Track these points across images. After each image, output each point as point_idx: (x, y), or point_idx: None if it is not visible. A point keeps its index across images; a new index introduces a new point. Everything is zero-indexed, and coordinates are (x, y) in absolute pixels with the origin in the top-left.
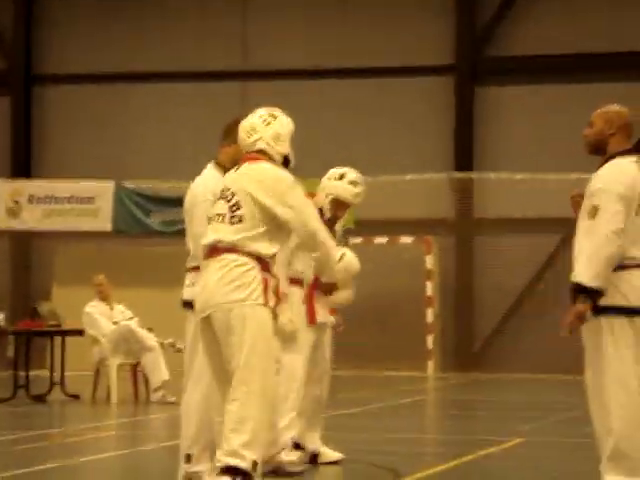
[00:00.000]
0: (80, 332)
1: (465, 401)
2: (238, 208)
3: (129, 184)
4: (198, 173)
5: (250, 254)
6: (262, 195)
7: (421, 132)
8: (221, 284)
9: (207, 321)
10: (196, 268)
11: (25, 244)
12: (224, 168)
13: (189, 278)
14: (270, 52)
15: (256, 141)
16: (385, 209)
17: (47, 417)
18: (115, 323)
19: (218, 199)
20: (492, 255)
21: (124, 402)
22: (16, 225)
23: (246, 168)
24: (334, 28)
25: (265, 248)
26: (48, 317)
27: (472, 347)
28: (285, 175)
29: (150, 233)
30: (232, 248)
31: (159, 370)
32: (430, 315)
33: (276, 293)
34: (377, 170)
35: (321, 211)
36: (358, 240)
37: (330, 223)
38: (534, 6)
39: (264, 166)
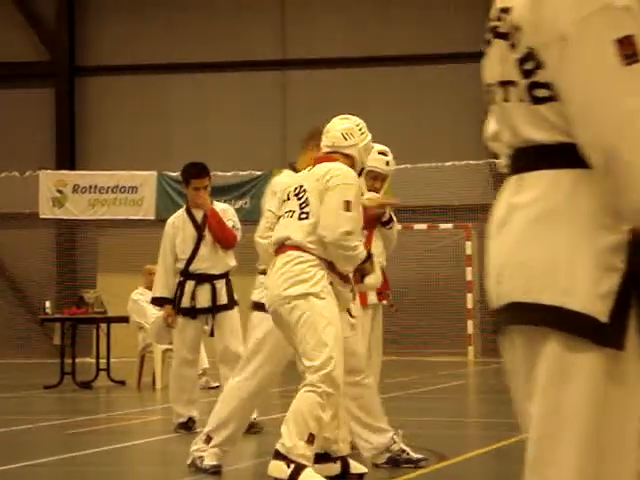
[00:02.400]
0: (125, 319)
1: (506, 385)
2: (307, 204)
3: (171, 173)
4: (237, 161)
5: (317, 256)
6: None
7: (459, 119)
8: (283, 278)
9: (275, 315)
10: (264, 272)
11: (70, 233)
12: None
13: (259, 280)
14: (308, 41)
15: (351, 146)
16: (424, 196)
17: (93, 403)
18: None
19: (292, 196)
20: None
21: (169, 387)
22: (61, 215)
23: (320, 167)
24: (368, 17)
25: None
26: (94, 305)
27: None
28: (351, 182)
29: None
30: (298, 247)
31: (201, 357)
32: (470, 300)
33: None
34: (416, 158)
35: None
36: (398, 227)
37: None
38: None
39: (336, 165)
